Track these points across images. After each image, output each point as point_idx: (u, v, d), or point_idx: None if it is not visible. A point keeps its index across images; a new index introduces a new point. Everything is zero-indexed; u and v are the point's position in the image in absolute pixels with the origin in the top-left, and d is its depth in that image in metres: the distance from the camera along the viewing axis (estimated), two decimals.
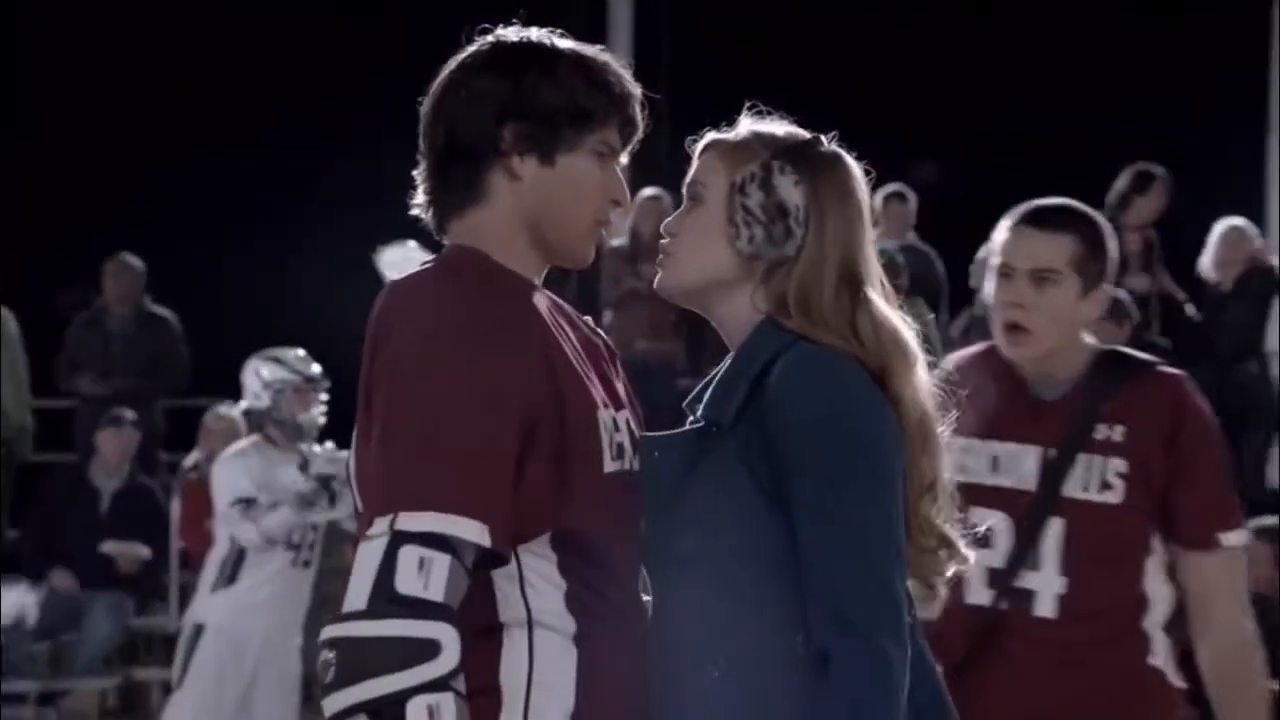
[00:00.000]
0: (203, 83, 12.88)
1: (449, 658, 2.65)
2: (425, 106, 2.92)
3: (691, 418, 2.97)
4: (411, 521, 2.67)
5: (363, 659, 2.63)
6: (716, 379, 2.92)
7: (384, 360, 2.75)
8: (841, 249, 2.88)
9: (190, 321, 11.87)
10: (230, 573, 8.10)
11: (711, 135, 2.98)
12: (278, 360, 8.34)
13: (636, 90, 2.93)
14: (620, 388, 2.96)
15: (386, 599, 2.65)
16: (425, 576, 2.65)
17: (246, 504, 8.06)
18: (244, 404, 8.53)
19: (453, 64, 2.92)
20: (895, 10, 13.15)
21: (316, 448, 8.31)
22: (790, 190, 2.88)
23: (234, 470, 8.19)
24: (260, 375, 8.29)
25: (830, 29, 12.23)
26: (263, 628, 8.11)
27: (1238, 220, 11.15)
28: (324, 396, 8.35)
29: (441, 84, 2.91)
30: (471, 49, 2.92)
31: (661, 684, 2.86)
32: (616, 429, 2.87)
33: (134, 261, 11.80)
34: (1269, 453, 10.88)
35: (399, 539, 2.66)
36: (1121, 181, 11.03)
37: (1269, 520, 9.17)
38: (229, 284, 12.59)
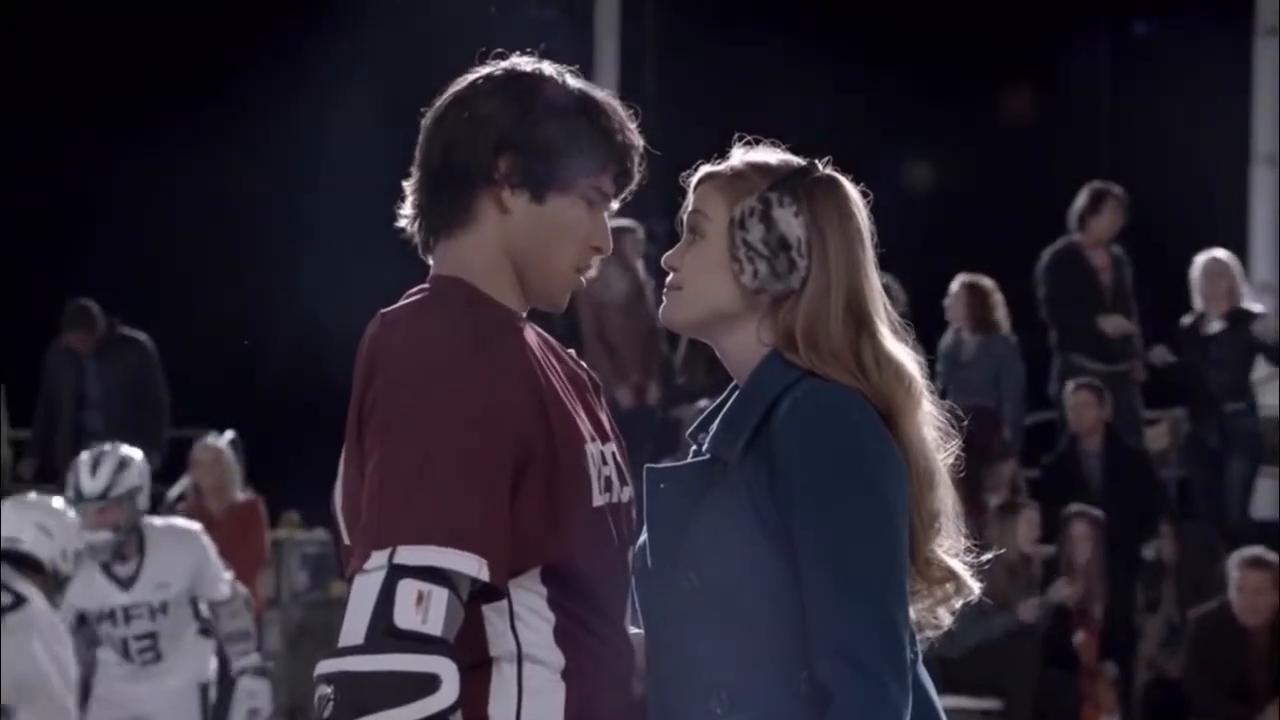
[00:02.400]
0: (176, 100, 12.86)
1: (448, 692, 2.63)
2: (426, 119, 2.89)
3: (695, 447, 2.97)
4: (410, 555, 2.65)
5: (362, 694, 2.61)
6: (723, 413, 2.91)
7: (376, 392, 2.73)
8: (846, 279, 2.87)
9: (166, 349, 11.80)
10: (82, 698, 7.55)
11: (706, 168, 2.96)
12: None
13: (638, 142, 2.91)
14: (605, 420, 2.95)
15: (385, 633, 2.63)
16: (424, 611, 2.63)
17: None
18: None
19: (462, 83, 2.89)
20: (879, 44, 13.19)
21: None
22: (790, 222, 2.87)
23: None
24: None
25: (815, 62, 12.25)
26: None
27: (1219, 252, 11.15)
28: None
29: (447, 101, 2.88)
30: (484, 71, 2.90)
31: None
32: (604, 462, 2.86)
33: (89, 304, 11.63)
34: (1254, 483, 10.89)
35: (397, 572, 2.64)
36: (1080, 200, 11.10)
37: (1259, 551, 9.19)
38: (203, 311, 12.54)
